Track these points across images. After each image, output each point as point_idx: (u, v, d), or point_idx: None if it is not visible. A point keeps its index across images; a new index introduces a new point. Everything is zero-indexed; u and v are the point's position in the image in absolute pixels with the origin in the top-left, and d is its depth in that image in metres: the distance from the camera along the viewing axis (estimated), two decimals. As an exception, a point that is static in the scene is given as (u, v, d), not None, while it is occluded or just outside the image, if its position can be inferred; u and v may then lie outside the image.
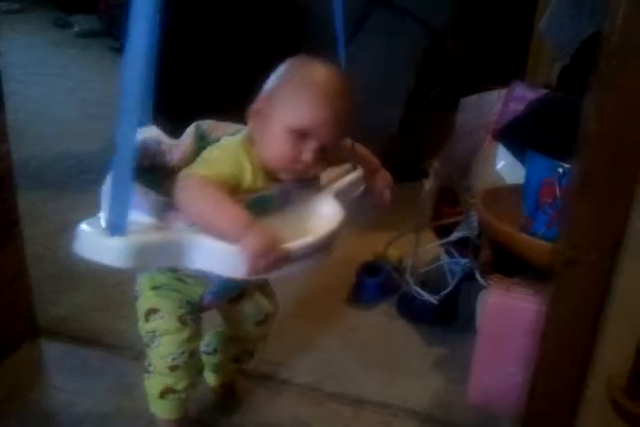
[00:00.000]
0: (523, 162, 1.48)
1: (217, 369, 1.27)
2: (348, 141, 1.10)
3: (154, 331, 1.07)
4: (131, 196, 0.83)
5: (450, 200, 1.73)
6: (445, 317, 1.58)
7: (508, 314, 1.17)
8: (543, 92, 1.69)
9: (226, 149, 0.97)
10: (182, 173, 0.93)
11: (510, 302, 1.17)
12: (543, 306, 0.81)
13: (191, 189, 0.89)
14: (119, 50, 3.81)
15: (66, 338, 1.46)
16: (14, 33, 3.86)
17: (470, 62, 2.28)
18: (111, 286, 1.60)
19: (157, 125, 1.09)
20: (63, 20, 4.15)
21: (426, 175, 1.84)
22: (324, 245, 0.93)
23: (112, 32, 3.90)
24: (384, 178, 1.15)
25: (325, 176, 1.06)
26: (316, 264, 0.94)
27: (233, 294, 1.13)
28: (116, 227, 0.83)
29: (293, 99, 0.95)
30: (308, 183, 1.01)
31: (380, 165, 1.16)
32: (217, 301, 1.11)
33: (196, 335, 1.10)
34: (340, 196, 1.04)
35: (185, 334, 1.07)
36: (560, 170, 1.26)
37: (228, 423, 1.27)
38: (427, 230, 1.69)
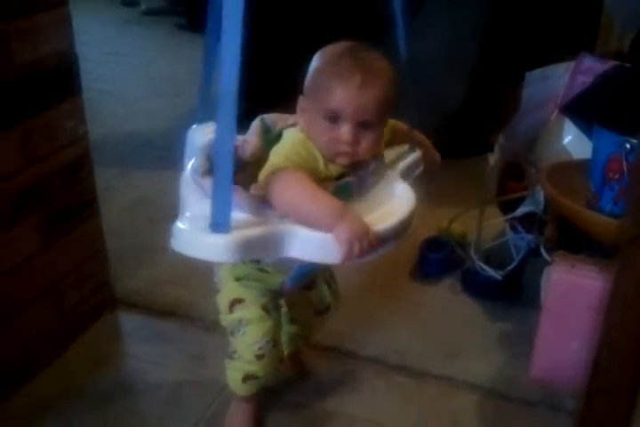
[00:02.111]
0: (590, 136, 1.45)
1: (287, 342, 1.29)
2: (403, 126, 1.10)
3: (239, 320, 1.09)
4: (230, 194, 0.85)
5: (515, 175, 1.72)
6: (509, 292, 1.58)
7: (573, 290, 1.17)
8: (612, 63, 1.65)
9: (294, 142, 0.98)
10: (263, 171, 0.94)
11: (575, 279, 1.17)
12: (608, 283, 0.81)
13: (280, 182, 0.91)
14: (185, 27, 3.88)
15: (142, 309, 1.53)
16: (82, 12, 3.94)
17: (538, 34, 2.23)
18: (183, 260, 1.65)
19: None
20: (130, -2, 4.22)
21: (491, 149, 1.83)
22: (407, 226, 0.97)
23: (178, 10, 3.95)
24: (434, 157, 1.16)
25: (386, 157, 1.06)
26: (398, 245, 0.97)
27: (308, 280, 1.16)
28: (220, 224, 0.86)
29: (316, 85, 0.96)
30: (375, 166, 1.01)
31: (432, 147, 1.15)
32: (294, 287, 1.14)
33: (278, 323, 1.14)
34: (405, 176, 1.05)
35: (269, 322, 1.10)
36: (627, 145, 1.24)
37: (292, 392, 1.32)
38: (491, 206, 1.69)
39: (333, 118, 0.95)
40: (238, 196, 0.89)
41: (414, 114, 1.12)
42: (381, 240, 0.92)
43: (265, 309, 1.10)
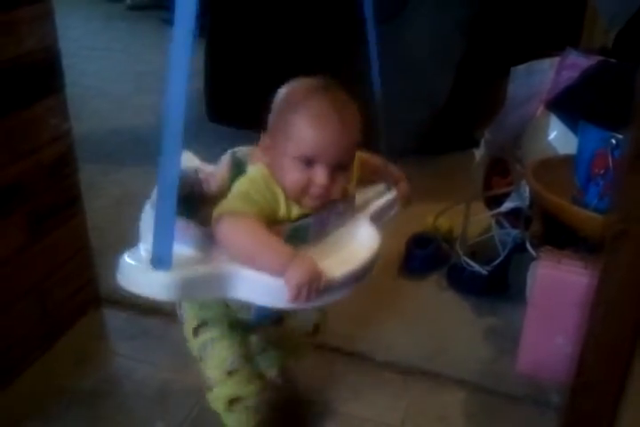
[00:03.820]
0: (575, 132, 1.46)
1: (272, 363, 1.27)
2: (375, 160, 1.08)
3: (204, 341, 1.05)
4: (173, 229, 0.81)
5: (501, 170, 1.72)
6: (495, 288, 1.58)
7: (559, 286, 1.18)
8: (597, 59, 1.65)
9: (256, 180, 0.95)
10: (217, 209, 0.91)
11: (561, 274, 1.17)
12: (594, 278, 0.81)
13: (228, 227, 0.88)
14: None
15: (127, 307, 1.51)
16: (66, 7, 3.92)
17: (523, 29, 2.23)
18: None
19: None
20: (115, -7, 4.20)
21: (477, 144, 1.83)
22: (364, 273, 0.94)
23: (163, 4, 3.92)
24: (404, 190, 1.12)
25: (360, 197, 1.04)
26: (353, 290, 0.95)
27: (274, 317, 1.12)
28: (161, 261, 0.82)
29: (288, 127, 0.92)
30: (342, 207, 0.98)
31: (403, 176, 1.12)
32: (261, 323, 1.11)
33: (246, 339, 1.10)
34: (377, 218, 1.03)
35: (236, 337, 1.06)
36: (613, 141, 1.24)
37: (278, 389, 1.30)
38: (477, 201, 1.69)
39: (309, 161, 0.92)
40: (186, 231, 0.87)
41: (384, 138, 1.09)
42: (335, 286, 0.89)
43: (230, 326, 1.05)
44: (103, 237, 1.61)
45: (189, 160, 1.06)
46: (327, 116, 0.91)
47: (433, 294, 1.62)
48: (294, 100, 0.94)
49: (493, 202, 1.64)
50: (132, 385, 1.32)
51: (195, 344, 1.07)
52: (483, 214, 1.66)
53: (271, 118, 0.97)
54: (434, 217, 1.72)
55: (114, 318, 1.50)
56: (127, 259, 0.86)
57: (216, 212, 0.90)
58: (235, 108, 2.09)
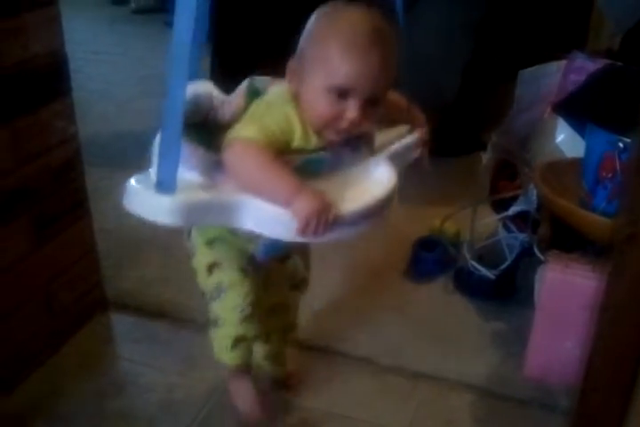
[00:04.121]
0: (583, 135, 1.45)
1: (272, 357, 1.28)
2: (400, 99, 1.04)
3: (219, 283, 1.05)
4: (179, 153, 0.81)
5: (508, 174, 1.72)
6: (503, 292, 1.58)
7: (567, 289, 1.17)
8: (604, 62, 1.65)
9: (273, 105, 0.91)
10: (229, 133, 0.89)
11: (568, 278, 1.17)
12: (602, 282, 0.81)
13: (237, 154, 0.86)
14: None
15: (133, 310, 1.52)
16: (71, 11, 3.91)
17: (530, 32, 2.23)
18: (175, 261, 1.65)
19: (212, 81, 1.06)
20: (120, -4, 4.21)
21: (484, 148, 1.83)
22: (376, 211, 0.90)
23: (167, 7, 3.93)
24: (423, 134, 1.06)
25: (380, 138, 1.01)
26: (369, 229, 0.91)
27: (281, 252, 1.12)
28: (165, 185, 0.82)
29: (324, 54, 0.87)
30: (361, 144, 0.96)
31: (424, 119, 1.07)
32: (267, 258, 1.09)
33: (256, 287, 1.09)
34: (395, 159, 0.99)
35: (248, 284, 1.05)
36: (620, 144, 1.24)
37: (282, 392, 1.31)
38: (484, 204, 1.69)
39: (342, 93, 0.87)
40: (193, 156, 0.85)
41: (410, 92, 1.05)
42: (344, 222, 0.86)
43: (243, 270, 1.05)
44: (109, 241, 1.61)
45: (206, 89, 1.03)
46: (368, 46, 0.86)
47: (440, 297, 1.62)
48: (334, 27, 0.89)
49: (500, 205, 1.64)
50: (137, 389, 1.32)
51: (208, 283, 1.07)
52: (490, 218, 1.66)
53: (304, 41, 0.91)
54: (440, 220, 1.72)
55: (120, 322, 1.50)
56: (133, 182, 0.86)
57: (227, 137, 0.88)
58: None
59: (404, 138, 1.04)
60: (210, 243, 1.06)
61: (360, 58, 0.86)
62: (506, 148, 1.71)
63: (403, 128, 1.06)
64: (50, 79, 1.26)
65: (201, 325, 1.37)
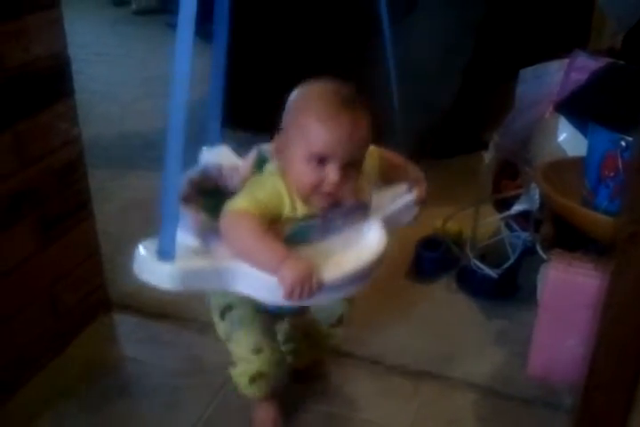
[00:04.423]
0: (585, 134, 1.46)
1: (296, 354, 1.30)
2: (395, 157, 1.09)
3: (232, 323, 1.10)
4: (177, 226, 0.89)
5: (510, 173, 1.72)
6: (506, 290, 1.58)
7: (569, 288, 1.17)
8: (605, 61, 1.65)
9: (265, 181, 0.99)
10: (226, 205, 0.96)
11: (571, 277, 1.17)
12: (604, 280, 0.81)
13: (231, 223, 0.93)
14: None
15: (137, 311, 1.52)
16: (73, 12, 3.92)
17: (531, 31, 2.23)
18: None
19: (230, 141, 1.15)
20: (121, -2, 4.20)
21: (486, 147, 1.83)
22: (363, 275, 0.96)
23: (169, 8, 3.93)
24: (421, 191, 1.11)
25: (378, 198, 1.05)
26: (355, 291, 0.99)
27: (292, 310, 1.16)
28: (165, 253, 0.89)
29: (300, 127, 0.95)
30: (353, 209, 1.00)
31: (422, 176, 1.12)
32: (283, 312, 1.15)
33: (272, 321, 1.14)
34: (391, 220, 1.04)
35: (260, 317, 1.10)
36: (623, 143, 1.24)
37: (288, 393, 1.30)
38: (487, 204, 1.69)
39: (320, 160, 0.94)
40: (195, 223, 0.94)
41: (399, 136, 1.09)
42: (329, 286, 0.91)
43: (256, 308, 1.09)
44: (112, 242, 1.61)
45: (226, 155, 1.12)
46: (338, 114, 0.94)
47: (443, 297, 1.62)
48: (306, 101, 0.97)
49: (503, 205, 1.64)
50: (141, 389, 1.32)
51: (222, 327, 1.12)
52: (492, 217, 1.66)
53: (284, 119, 1.00)
54: (443, 220, 1.72)
55: (124, 323, 1.50)
56: (141, 249, 0.93)
57: (225, 208, 0.95)
58: (250, 112, 2.10)
59: (402, 198, 1.08)
60: (222, 296, 1.11)
61: (332, 125, 0.94)
62: (507, 147, 1.71)
63: (401, 187, 1.10)
64: (52, 81, 1.26)
65: (204, 324, 1.38)
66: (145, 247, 0.92)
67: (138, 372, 1.36)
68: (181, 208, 0.95)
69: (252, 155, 1.06)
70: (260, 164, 1.04)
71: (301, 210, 0.97)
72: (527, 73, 1.73)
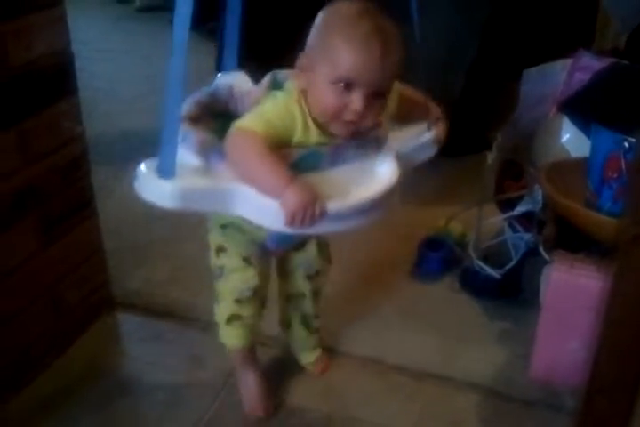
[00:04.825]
0: (588, 135, 1.45)
1: (299, 344, 1.34)
2: (416, 94, 1.06)
3: (222, 267, 1.13)
4: (177, 143, 0.88)
5: (513, 173, 1.72)
6: (508, 291, 1.57)
7: (572, 290, 1.17)
8: (609, 61, 1.65)
9: (278, 101, 0.95)
10: (234, 124, 0.93)
11: (574, 279, 1.17)
12: (607, 282, 0.81)
13: (236, 142, 0.90)
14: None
15: (140, 310, 1.52)
16: (76, 10, 3.90)
17: (535, 31, 2.22)
18: (182, 260, 1.66)
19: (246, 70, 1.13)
20: (124, -6, 4.17)
21: (489, 147, 1.82)
22: (370, 208, 0.92)
23: (172, 5, 3.92)
24: (439, 130, 1.08)
25: (397, 135, 1.02)
26: (365, 223, 0.94)
27: (293, 241, 1.16)
28: (165, 171, 0.88)
29: (328, 48, 0.91)
30: (368, 142, 0.97)
31: (441, 114, 1.09)
32: (280, 246, 1.14)
33: (261, 274, 1.14)
34: (408, 157, 1.01)
35: (249, 272, 1.12)
36: (626, 144, 1.23)
37: (290, 394, 1.31)
38: (490, 204, 1.69)
39: (346, 85, 0.90)
40: (200, 143, 0.91)
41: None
42: (333, 215, 0.89)
43: (246, 260, 1.11)
44: (116, 240, 1.61)
45: (242, 80, 1.10)
46: (370, 39, 0.89)
47: (445, 297, 1.62)
48: (337, 21, 0.93)
49: (506, 205, 1.64)
50: (144, 388, 1.32)
51: (213, 263, 1.15)
52: (495, 217, 1.66)
53: (311, 39, 0.95)
54: (446, 220, 1.72)
55: (126, 322, 1.50)
56: (142, 166, 0.92)
57: (232, 126, 0.92)
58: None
59: (421, 135, 1.05)
60: (223, 226, 1.11)
61: (361, 50, 0.89)
62: (511, 147, 1.71)
63: (421, 125, 1.06)
64: (56, 79, 1.26)
65: (207, 324, 1.38)
66: (147, 166, 0.91)
67: (140, 371, 1.36)
68: (186, 128, 0.94)
69: (267, 79, 1.03)
70: (274, 88, 1.01)
71: (314, 137, 0.94)
72: (531, 73, 1.73)
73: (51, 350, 1.36)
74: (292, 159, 0.91)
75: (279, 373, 1.35)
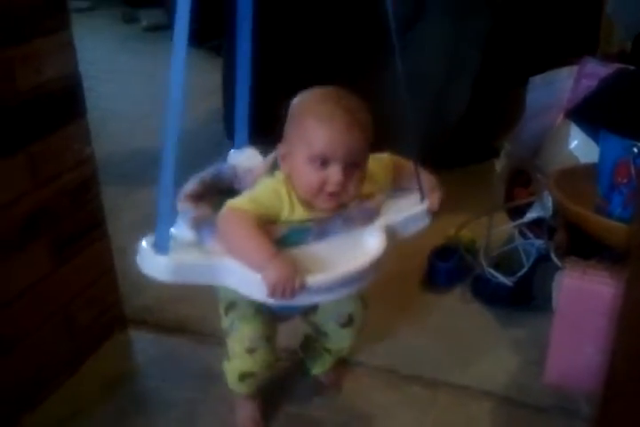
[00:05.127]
0: (596, 141, 1.45)
1: (316, 360, 1.34)
2: (407, 164, 1.09)
3: (232, 321, 1.14)
4: (172, 220, 0.95)
5: (522, 181, 1.72)
6: (521, 298, 1.57)
7: (585, 296, 1.17)
8: (616, 66, 1.65)
9: (268, 184, 1.02)
10: (226, 203, 0.99)
11: (586, 285, 1.16)
12: (620, 288, 0.80)
13: (226, 219, 0.96)
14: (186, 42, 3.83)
15: (152, 327, 1.52)
16: (83, 30, 3.93)
17: (540, 39, 2.23)
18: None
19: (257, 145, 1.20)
20: (131, 15, 4.21)
21: (497, 155, 1.82)
22: (354, 280, 0.97)
23: (177, 25, 3.95)
24: (434, 201, 1.10)
25: (387, 208, 1.06)
26: (348, 294, 1.00)
27: (299, 310, 1.18)
28: (160, 246, 0.95)
29: (301, 130, 0.98)
30: (353, 214, 1.01)
31: (437, 184, 1.12)
32: (286, 312, 1.17)
33: (272, 322, 1.15)
34: (399, 229, 1.05)
35: (261, 318, 1.12)
36: (635, 149, 1.23)
37: (303, 405, 1.31)
38: (500, 212, 1.68)
39: (322, 162, 0.97)
40: (199, 220, 0.98)
41: (413, 142, 1.07)
42: (313, 288, 0.93)
43: (257, 309, 1.12)
44: (126, 258, 1.61)
45: (252, 157, 1.17)
46: (338, 116, 0.96)
47: (458, 306, 1.61)
48: (307, 106, 1.00)
49: (516, 213, 1.63)
50: (158, 405, 1.32)
51: (224, 322, 1.16)
52: (505, 225, 1.65)
53: (286, 126, 1.03)
54: (456, 229, 1.71)
55: (139, 339, 1.50)
56: (143, 242, 0.99)
57: (224, 206, 0.99)
58: (255, 124, 2.10)
59: (413, 206, 1.08)
60: (227, 292, 1.11)
61: (329, 126, 0.96)
62: (519, 155, 1.71)
63: (414, 196, 1.09)
64: (65, 102, 1.27)
65: (219, 338, 1.38)
66: (146, 241, 0.98)
67: (154, 388, 1.36)
68: (185, 206, 1.02)
69: (269, 158, 1.09)
70: (275, 166, 1.06)
71: (300, 213, 1.00)
72: (537, 80, 1.73)
73: (64, 369, 1.36)
74: (279, 235, 0.97)
75: (292, 384, 1.35)
